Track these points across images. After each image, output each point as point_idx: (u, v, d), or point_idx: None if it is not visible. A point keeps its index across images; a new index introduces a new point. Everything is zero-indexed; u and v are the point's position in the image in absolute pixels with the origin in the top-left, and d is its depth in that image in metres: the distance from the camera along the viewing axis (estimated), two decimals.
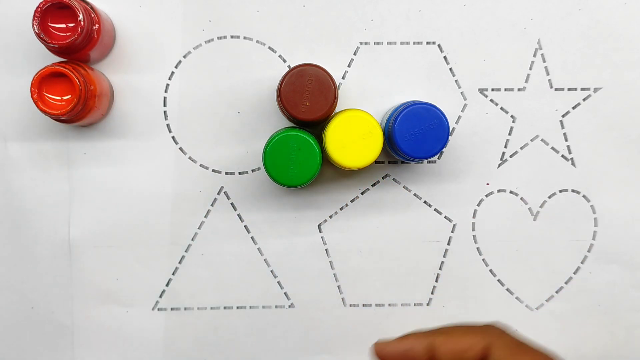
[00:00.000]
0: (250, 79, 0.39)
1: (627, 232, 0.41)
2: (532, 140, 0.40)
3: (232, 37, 0.39)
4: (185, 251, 0.40)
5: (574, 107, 0.40)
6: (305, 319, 0.41)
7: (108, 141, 0.39)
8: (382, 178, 0.40)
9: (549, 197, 0.41)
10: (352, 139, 0.35)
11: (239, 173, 0.40)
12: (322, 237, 0.40)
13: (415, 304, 0.41)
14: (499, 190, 0.41)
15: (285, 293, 0.41)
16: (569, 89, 0.40)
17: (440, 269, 0.41)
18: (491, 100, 0.40)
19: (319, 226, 0.40)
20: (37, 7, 0.33)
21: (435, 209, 0.41)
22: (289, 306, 0.41)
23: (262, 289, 0.41)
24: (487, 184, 0.41)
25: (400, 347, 0.29)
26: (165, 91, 0.39)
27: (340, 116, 0.35)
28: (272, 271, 0.41)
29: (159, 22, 0.38)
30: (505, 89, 0.40)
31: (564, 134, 0.40)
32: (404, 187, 0.40)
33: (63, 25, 0.35)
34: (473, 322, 0.29)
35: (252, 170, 0.40)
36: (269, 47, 0.39)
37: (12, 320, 0.40)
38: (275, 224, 0.40)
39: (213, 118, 0.39)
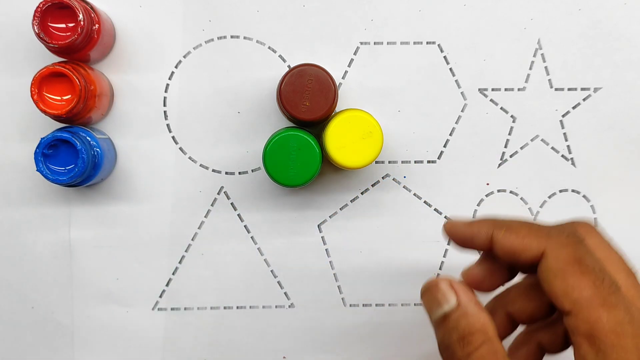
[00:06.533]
0: (250, 79, 0.39)
1: (627, 232, 0.41)
2: (532, 140, 0.40)
3: (232, 37, 0.39)
4: (185, 251, 0.40)
5: (574, 107, 0.40)
6: (305, 319, 0.41)
7: None
8: (382, 178, 0.40)
9: (549, 197, 0.41)
10: (352, 139, 0.35)
11: (239, 173, 0.40)
12: (322, 237, 0.40)
13: (415, 304, 0.41)
14: (499, 190, 0.41)
15: (285, 293, 0.41)
16: (569, 89, 0.40)
17: (440, 269, 0.41)
18: (491, 100, 0.40)
19: (319, 226, 0.40)
20: (37, 7, 0.33)
21: (435, 209, 0.41)
22: (289, 306, 0.41)
23: (262, 289, 0.41)
24: (487, 184, 0.41)
25: (467, 230, 0.30)
26: (165, 91, 0.39)
27: (340, 116, 0.35)
28: (272, 271, 0.41)
29: (159, 22, 0.38)
30: (505, 89, 0.40)
31: (564, 134, 0.40)
32: (404, 187, 0.40)
33: (63, 25, 0.35)
34: (549, 222, 0.28)
35: (252, 170, 0.40)
36: (269, 47, 0.39)
37: (12, 320, 0.40)
38: (275, 224, 0.40)
39: (213, 118, 0.39)
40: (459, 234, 0.30)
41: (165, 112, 0.39)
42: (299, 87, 0.35)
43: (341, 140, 0.35)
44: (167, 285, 0.40)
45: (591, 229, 0.28)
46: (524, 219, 0.29)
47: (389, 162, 0.40)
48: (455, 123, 0.40)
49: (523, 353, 0.31)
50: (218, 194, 0.40)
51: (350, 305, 0.41)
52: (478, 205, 0.41)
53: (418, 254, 0.41)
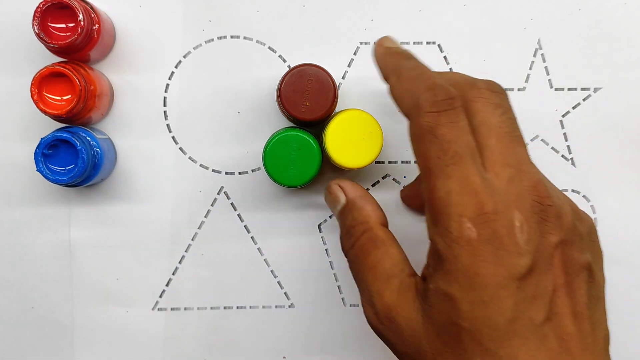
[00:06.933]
0: (250, 79, 0.39)
1: (627, 232, 0.41)
2: (532, 140, 0.40)
3: (232, 37, 0.39)
4: (185, 251, 0.40)
5: (574, 107, 0.40)
6: (305, 319, 0.41)
7: None
8: (382, 178, 0.40)
9: None
10: (352, 139, 0.35)
11: (239, 173, 0.40)
12: (322, 237, 0.40)
13: None
14: None
15: (285, 293, 0.41)
16: (569, 89, 0.40)
17: None
18: None
19: (319, 226, 0.40)
20: (37, 7, 0.33)
21: None
22: (289, 306, 0.41)
23: (262, 289, 0.41)
24: None
25: (378, 62, 0.31)
26: (165, 91, 0.39)
27: (340, 116, 0.35)
28: (272, 271, 0.41)
29: (159, 22, 0.38)
30: (505, 89, 0.40)
31: (564, 134, 0.40)
32: (404, 187, 0.40)
33: (63, 25, 0.35)
34: (428, 80, 0.27)
35: (252, 170, 0.40)
36: (269, 47, 0.39)
37: (12, 320, 0.40)
38: (275, 224, 0.40)
39: (213, 118, 0.39)
40: (376, 62, 0.31)
41: (165, 112, 0.39)
42: (299, 87, 0.35)
43: (341, 140, 0.35)
44: (167, 285, 0.40)
45: (484, 92, 0.27)
46: (419, 67, 0.28)
47: (389, 162, 0.40)
48: None
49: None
50: (218, 194, 0.40)
51: (350, 305, 0.41)
52: None
53: (418, 253, 0.41)
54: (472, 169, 0.24)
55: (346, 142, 0.35)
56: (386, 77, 0.29)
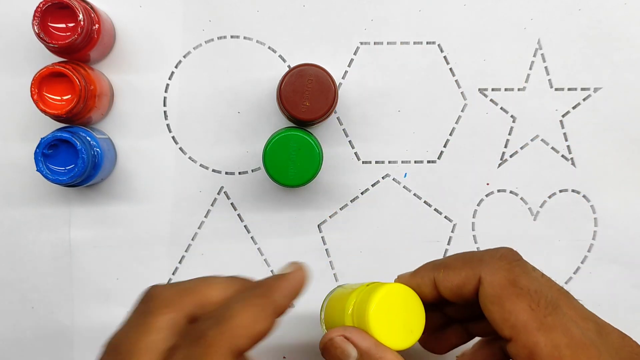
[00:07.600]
0: (250, 79, 0.39)
1: (627, 232, 0.41)
2: (532, 140, 0.40)
3: (232, 37, 0.39)
4: (185, 251, 0.40)
5: (574, 107, 0.40)
6: (305, 318, 0.41)
7: None
8: (382, 178, 0.40)
9: (549, 197, 0.41)
10: (397, 317, 0.28)
11: (239, 173, 0.40)
12: (322, 237, 0.40)
13: None
14: (499, 190, 0.41)
15: None
16: (569, 89, 0.40)
17: None
18: (491, 100, 0.40)
19: (319, 226, 0.40)
20: (37, 7, 0.33)
21: (435, 209, 0.40)
22: (289, 306, 0.41)
23: None
24: (487, 184, 0.41)
25: (413, 282, 0.28)
26: (165, 91, 0.39)
27: (382, 290, 0.28)
28: (272, 271, 0.41)
29: (159, 22, 0.38)
30: (505, 89, 0.40)
31: (564, 134, 0.40)
32: (404, 187, 0.40)
33: (63, 25, 0.35)
34: (480, 250, 0.28)
35: (252, 170, 0.40)
36: (269, 47, 0.39)
37: (12, 320, 0.40)
38: (275, 224, 0.40)
39: (213, 118, 0.39)
40: (413, 280, 0.29)
41: (165, 112, 0.39)
42: (299, 87, 0.35)
43: (386, 318, 0.28)
44: None
45: (516, 258, 0.27)
46: (461, 252, 0.28)
47: (389, 162, 0.40)
48: (455, 123, 0.40)
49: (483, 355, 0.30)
50: (218, 194, 0.40)
51: None
52: (478, 205, 0.41)
53: (418, 253, 0.41)
54: (569, 319, 0.24)
55: (391, 319, 0.28)
56: (431, 286, 0.28)
